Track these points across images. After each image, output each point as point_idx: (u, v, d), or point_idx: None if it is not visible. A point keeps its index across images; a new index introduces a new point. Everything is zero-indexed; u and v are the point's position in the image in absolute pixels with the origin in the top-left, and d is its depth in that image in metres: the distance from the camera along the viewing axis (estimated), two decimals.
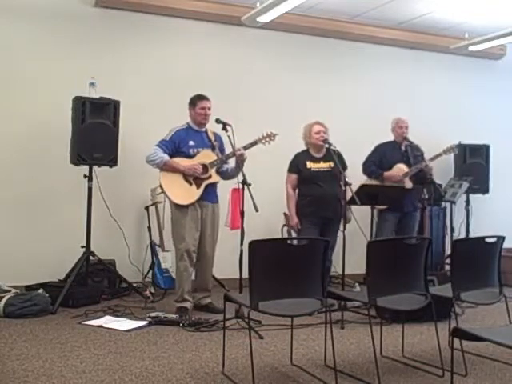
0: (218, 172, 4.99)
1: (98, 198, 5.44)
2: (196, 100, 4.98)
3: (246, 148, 4.88)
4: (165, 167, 4.85)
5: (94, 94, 5.31)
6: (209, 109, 4.97)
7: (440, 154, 5.81)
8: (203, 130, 5.02)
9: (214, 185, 4.97)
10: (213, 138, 5.00)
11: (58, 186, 5.66)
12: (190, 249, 4.85)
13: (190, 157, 4.90)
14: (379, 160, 5.88)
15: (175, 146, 4.89)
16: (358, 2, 6.17)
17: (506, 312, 3.79)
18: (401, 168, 5.79)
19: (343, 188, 5.05)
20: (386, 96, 6.92)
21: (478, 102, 7.47)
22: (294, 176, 5.41)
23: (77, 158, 5.19)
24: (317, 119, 5.46)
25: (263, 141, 4.95)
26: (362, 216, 5.70)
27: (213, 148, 4.97)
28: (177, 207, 4.88)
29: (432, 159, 5.76)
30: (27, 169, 5.58)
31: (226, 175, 5.06)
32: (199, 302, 5.03)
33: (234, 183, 4.98)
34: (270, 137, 4.96)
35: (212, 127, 5.05)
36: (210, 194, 4.94)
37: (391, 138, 6.00)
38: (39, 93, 5.61)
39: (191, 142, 4.92)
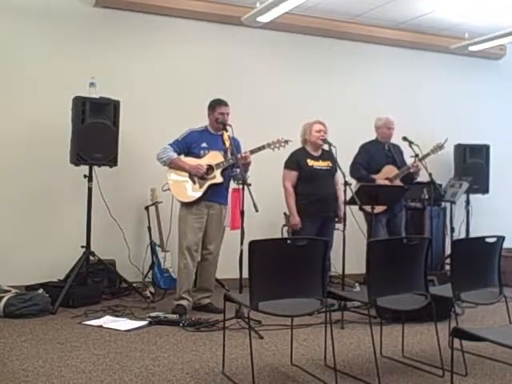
0: (223, 172, 4.99)
1: (98, 198, 5.44)
2: (216, 105, 5.00)
3: (252, 152, 4.89)
4: (172, 165, 4.92)
5: (94, 94, 5.31)
6: (227, 114, 4.98)
7: (428, 154, 5.69)
8: (219, 133, 5.03)
9: (221, 185, 4.97)
10: (228, 143, 5.00)
11: (58, 185, 5.66)
12: (191, 247, 4.87)
13: (200, 157, 4.94)
14: (367, 162, 5.76)
15: (187, 146, 4.96)
16: (358, 2, 6.17)
17: (506, 312, 3.79)
18: (390, 169, 5.74)
19: (343, 188, 5.05)
20: (386, 96, 6.91)
21: (478, 101, 7.47)
22: (294, 173, 5.36)
23: (77, 158, 5.19)
24: (317, 119, 5.45)
25: (272, 146, 4.95)
26: (362, 216, 5.71)
27: (225, 151, 4.99)
28: (183, 204, 4.95)
29: (421, 159, 5.63)
30: (27, 169, 5.57)
31: (236, 178, 5.06)
32: (199, 301, 5.03)
33: (233, 183, 4.98)
34: (280, 143, 4.98)
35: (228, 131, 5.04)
36: (217, 194, 4.96)
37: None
38: (39, 93, 5.62)
39: (204, 144, 4.97)
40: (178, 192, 4.93)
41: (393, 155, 5.80)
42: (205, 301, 5.03)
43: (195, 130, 5.03)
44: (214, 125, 5.02)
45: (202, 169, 4.87)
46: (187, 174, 4.92)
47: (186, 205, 4.92)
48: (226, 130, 4.85)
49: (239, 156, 4.85)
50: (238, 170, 4.98)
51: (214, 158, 4.94)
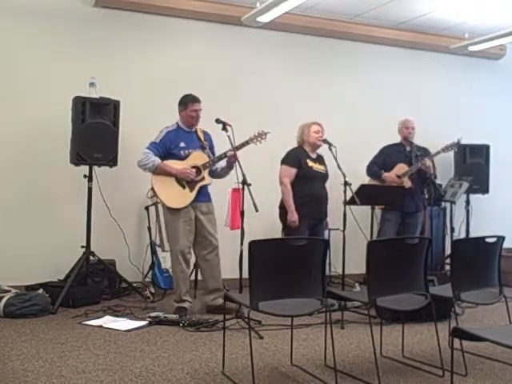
0: (212, 171, 4.98)
1: (98, 198, 5.44)
2: (188, 102, 4.91)
3: (238, 148, 4.82)
4: (157, 171, 4.81)
5: (94, 94, 5.31)
6: (200, 111, 4.93)
7: (438, 152, 5.82)
8: (193, 129, 5.00)
9: (206, 185, 4.95)
10: (202, 138, 4.98)
11: (58, 185, 5.66)
12: (184, 250, 4.84)
13: (182, 158, 4.86)
14: (383, 161, 5.94)
15: (166, 148, 4.86)
16: (358, 2, 6.17)
17: (506, 312, 3.79)
18: (401, 167, 5.82)
19: (343, 188, 5.06)
20: (385, 96, 6.92)
21: (478, 101, 7.47)
22: (294, 170, 5.29)
23: (77, 158, 5.19)
24: (317, 119, 5.45)
25: (254, 140, 4.89)
26: (362, 216, 5.71)
27: (203, 148, 4.95)
28: (169, 210, 4.86)
29: (430, 157, 5.79)
30: (27, 169, 5.57)
31: (215, 174, 5.04)
32: (212, 303, 4.94)
33: (233, 183, 4.97)
34: (262, 136, 4.91)
35: (211, 127, 5.03)
36: (202, 194, 4.91)
37: (391, 137, 6.01)
38: (39, 93, 5.61)
39: (182, 144, 4.89)
40: (169, 199, 4.82)
41: (411, 156, 5.84)
42: (218, 301, 4.88)
43: (170, 129, 4.93)
44: (187, 122, 4.95)
45: (192, 173, 4.80)
46: (173, 179, 4.81)
47: (173, 209, 4.82)
48: (226, 131, 4.80)
49: (228, 154, 4.81)
50: (219, 167, 4.98)
51: (198, 158, 4.88)
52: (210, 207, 4.98)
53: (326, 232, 5.63)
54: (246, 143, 4.88)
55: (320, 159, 5.43)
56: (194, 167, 4.85)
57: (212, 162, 4.90)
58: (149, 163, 4.79)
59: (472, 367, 3.58)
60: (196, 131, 4.99)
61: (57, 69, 5.68)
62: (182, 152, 4.87)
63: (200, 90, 5.08)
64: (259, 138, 4.91)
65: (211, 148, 5.03)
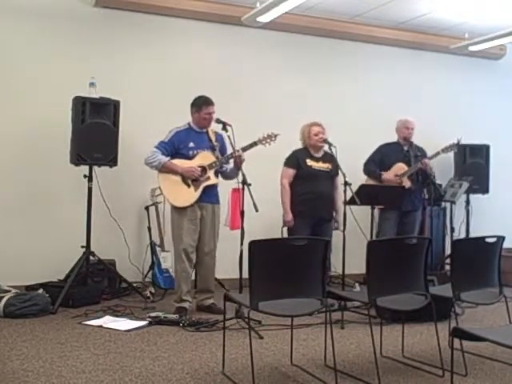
0: (217, 172, 4.98)
1: (98, 198, 5.44)
2: (202, 105, 4.92)
3: (244, 149, 4.84)
4: (163, 169, 4.83)
5: (94, 94, 5.31)
6: (213, 113, 4.94)
7: (438, 153, 5.83)
8: (204, 130, 5.01)
9: (213, 186, 4.96)
10: (213, 139, 4.99)
11: (58, 185, 5.66)
12: (187, 249, 4.85)
13: (189, 158, 4.88)
14: (380, 159, 5.92)
15: (174, 147, 4.88)
16: (358, 2, 6.17)
17: (506, 312, 3.79)
18: (400, 167, 5.82)
19: (343, 188, 5.06)
20: (385, 96, 6.92)
21: (478, 101, 7.47)
22: (292, 171, 5.37)
23: (77, 158, 5.19)
24: (317, 119, 5.47)
25: (263, 142, 4.90)
26: (362, 216, 5.71)
27: (213, 149, 4.96)
28: (175, 208, 4.89)
29: (430, 158, 5.80)
30: (27, 169, 5.58)
31: (224, 175, 5.07)
32: (202, 302, 5.01)
33: (234, 183, 4.98)
34: (271, 137, 4.92)
35: (213, 127, 5.04)
36: (209, 194, 4.93)
37: (391, 137, 6.01)
38: (39, 93, 5.61)
39: (191, 144, 4.91)
40: (174, 197, 4.85)
41: (409, 156, 5.84)
42: (207, 301, 5.00)
43: (180, 129, 4.95)
44: (199, 124, 4.96)
45: (197, 171, 4.82)
46: (180, 177, 4.84)
47: (179, 208, 4.85)
48: (226, 131, 4.80)
49: (235, 154, 4.81)
50: (226, 167, 4.99)
51: (205, 158, 4.89)
52: (215, 209, 5.00)
53: None
54: (254, 144, 4.89)
55: (325, 157, 5.43)
56: (199, 167, 4.86)
57: (219, 163, 4.91)
58: (155, 161, 4.82)
59: (472, 367, 3.58)
60: (207, 132, 5.01)
61: (57, 69, 5.68)
62: (190, 152, 4.90)
63: (200, 90, 5.08)
64: (268, 140, 4.92)
65: (222, 149, 5.02)
